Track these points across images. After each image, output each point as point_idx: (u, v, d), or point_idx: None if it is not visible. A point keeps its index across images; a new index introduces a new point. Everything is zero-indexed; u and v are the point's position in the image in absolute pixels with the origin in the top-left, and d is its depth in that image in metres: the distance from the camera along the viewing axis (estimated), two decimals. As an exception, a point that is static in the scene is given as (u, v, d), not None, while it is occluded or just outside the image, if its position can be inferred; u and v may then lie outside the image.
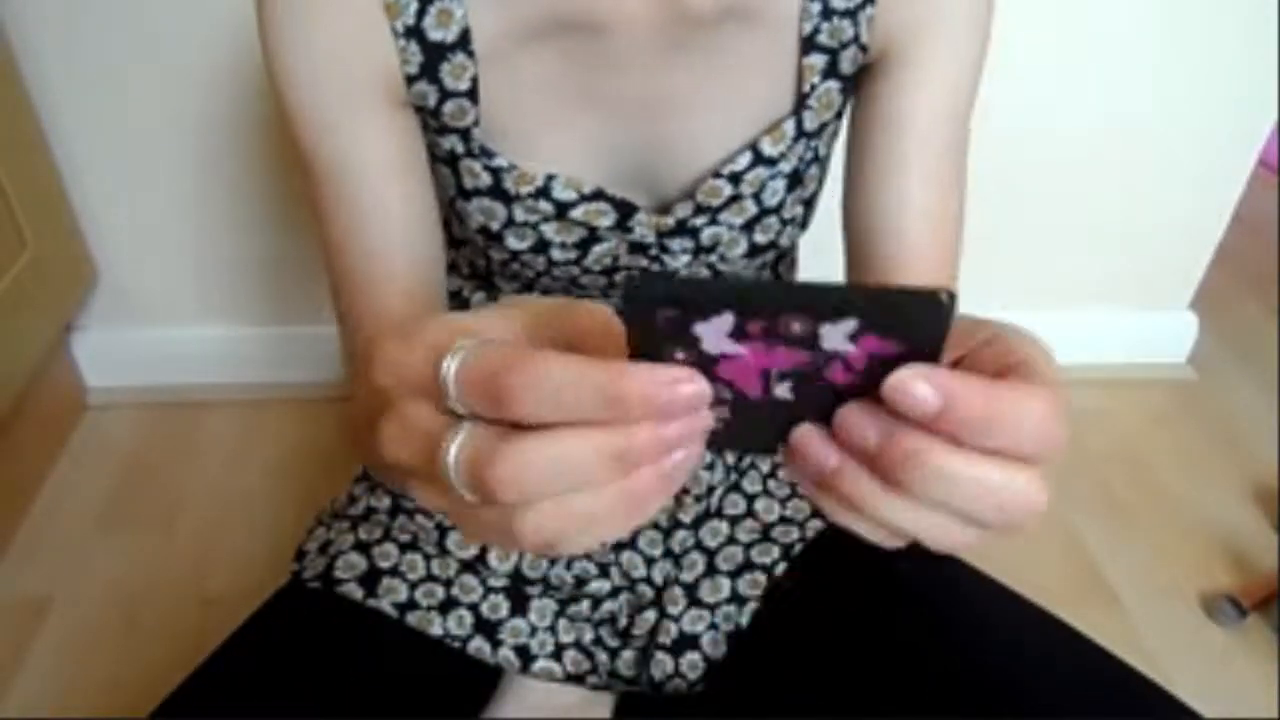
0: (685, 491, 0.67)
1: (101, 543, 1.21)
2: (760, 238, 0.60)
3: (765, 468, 0.71)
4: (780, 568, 0.66)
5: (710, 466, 0.67)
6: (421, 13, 0.51)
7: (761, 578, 0.66)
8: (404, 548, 0.64)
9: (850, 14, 0.55)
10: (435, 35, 0.51)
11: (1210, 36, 1.25)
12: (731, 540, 0.68)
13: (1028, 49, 1.22)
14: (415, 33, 0.51)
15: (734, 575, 0.66)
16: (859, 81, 0.59)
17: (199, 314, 1.41)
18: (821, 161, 0.62)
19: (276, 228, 1.34)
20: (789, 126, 0.57)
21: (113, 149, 1.26)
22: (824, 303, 0.25)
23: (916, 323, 0.25)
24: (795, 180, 0.59)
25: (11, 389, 1.17)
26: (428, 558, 0.64)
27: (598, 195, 0.56)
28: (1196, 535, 1.27)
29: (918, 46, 0.56)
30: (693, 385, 0.26)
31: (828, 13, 0.55)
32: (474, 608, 0.63)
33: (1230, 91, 1.30)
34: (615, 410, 0.25)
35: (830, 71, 0.57)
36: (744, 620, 0.65)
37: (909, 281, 0.61)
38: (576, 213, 0.57)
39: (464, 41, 0.52)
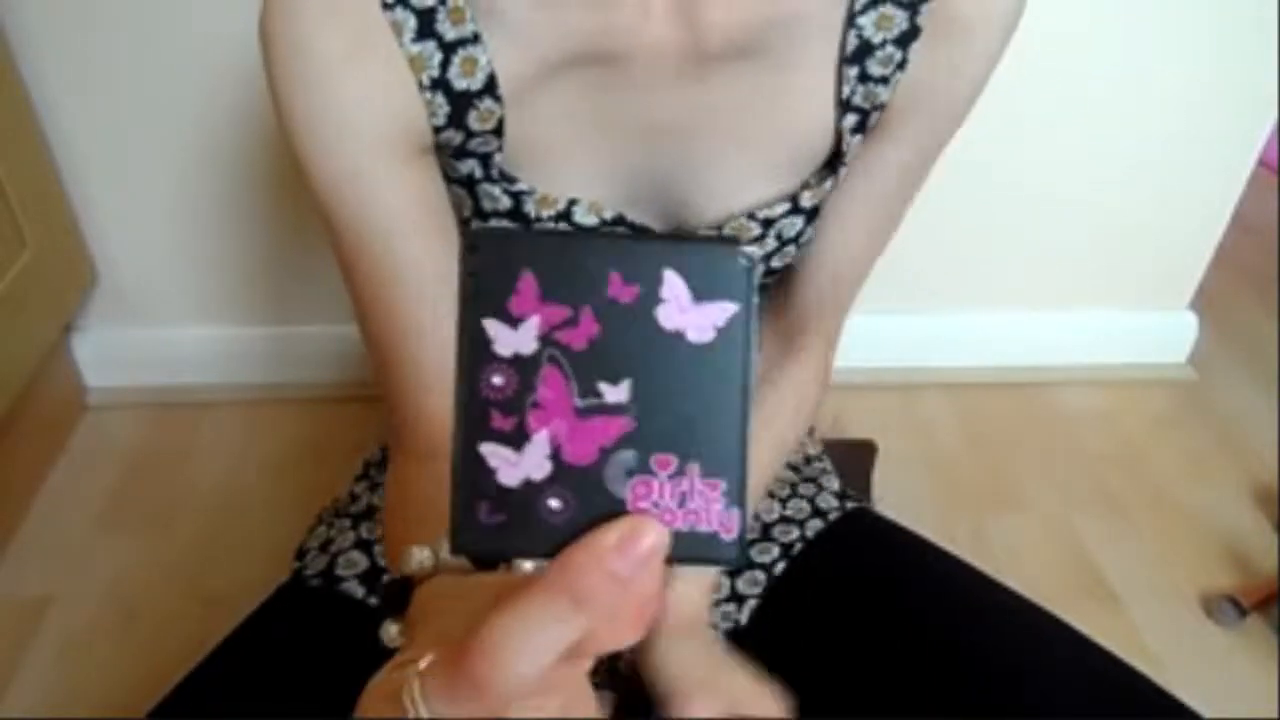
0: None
1: (101, 543, 1.21)
2: (776, 263, 0.61)
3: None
4: (780, 567, 0.66)
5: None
6: (446, 63, 0.50)
7: (761, 576, 0.66)
8: (404, 547, 0.64)
9: (884, 80, 0.56)
10: (461, 85, 0.51)
11: (1210, 36, 1.25)
12: (731, 539, 0.67)
13: (1028, 49, 1.22)
14: (441, 84, 0.50)
15: (733, 574, 0.66)
16: None
17: (199, 314, 1.41)
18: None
19: (276, 228, 1.34)
20: (829, 182, 0.58)
21: (113, 149, 1.26)
22: (634, 258, 0.24)
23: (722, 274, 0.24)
24: (814, 214, 0.60)
25: (11, 389, 1.17)
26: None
27: (619, 221, 0.56)
28: (1196, 535, 1.27)
29: (915, 111, 0.57)
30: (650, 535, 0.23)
31: (865, 77, 0.55)
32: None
33: (1230, 91, 1.30)
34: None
35: (859, 129, 0.58)
36: (743, 619, 0.65)
37: (799, 315, 0.66)
38: None
39: (490, 87, 0.51)
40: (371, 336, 0.56)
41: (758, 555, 0.66)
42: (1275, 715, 1.05)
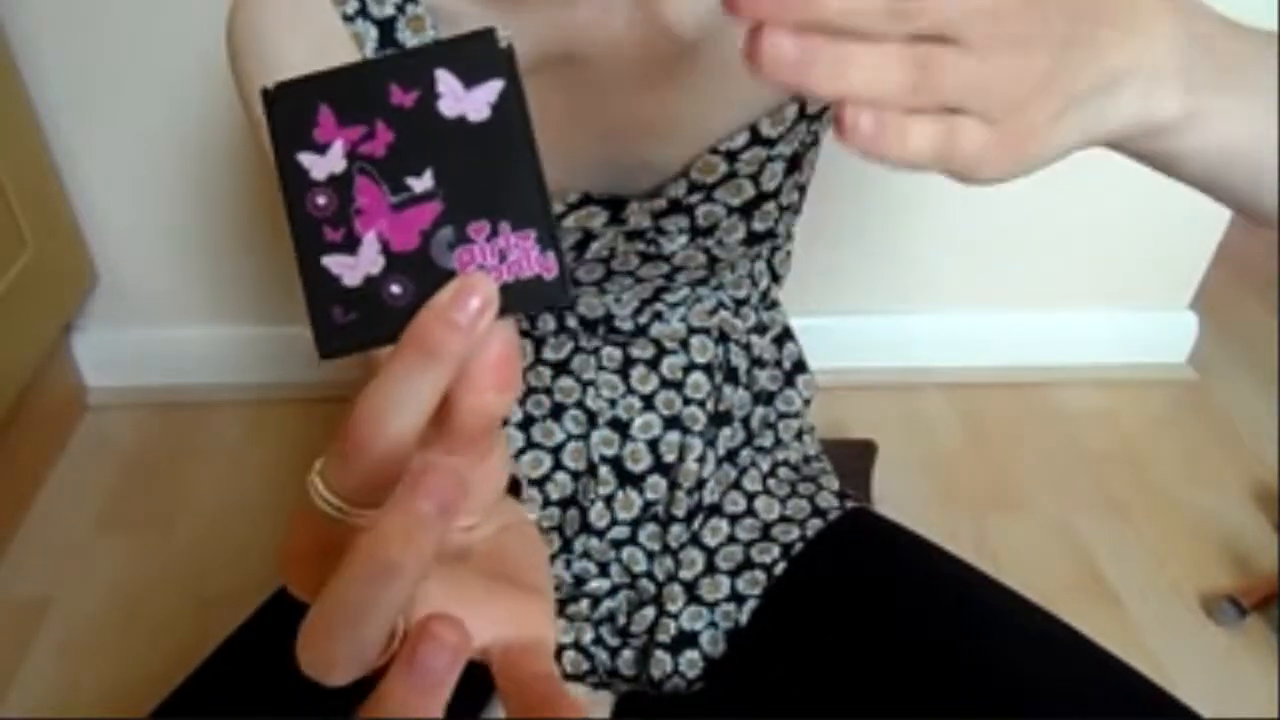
0: (676, 486, 0.67)
1: (101, 543, 1.21)
2: (759, 225, 0.60)
3: (765, 466, 0.71)
4: (780, 567, 0.66)
5: (700, 459, 0.67)
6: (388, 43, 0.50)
7: (761, 576, 0.66)
8: (404, 547, 0.64)
9: None
10: None
11: (1210, 36, 1.25)
12: (731, 539, 0.68)
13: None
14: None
15: (733, 574, 0.66)
16: None
17: (199, 314, 1.41)
18: (819, 146, 0.62)
19: (277, 227, 1.34)
20: (791, 110, 0.57)
21: (113, 149, 1.26)
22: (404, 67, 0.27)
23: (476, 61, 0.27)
24: (794, 164, 0.59)
25: (11, 389, 1.17)
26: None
27: (585, 201, 0.56)
28: (1196, 535, 1.27)
29: None
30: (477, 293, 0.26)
31: None
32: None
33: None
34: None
35: None
36: (743, 619, 0.65)
37: None
38: (568, 221, 0.57)
39: None
40: None
41: (758, 555, 0.66)
42: (1275, 715, 1.05)
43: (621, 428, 0.67)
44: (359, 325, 0.27)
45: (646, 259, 0.60)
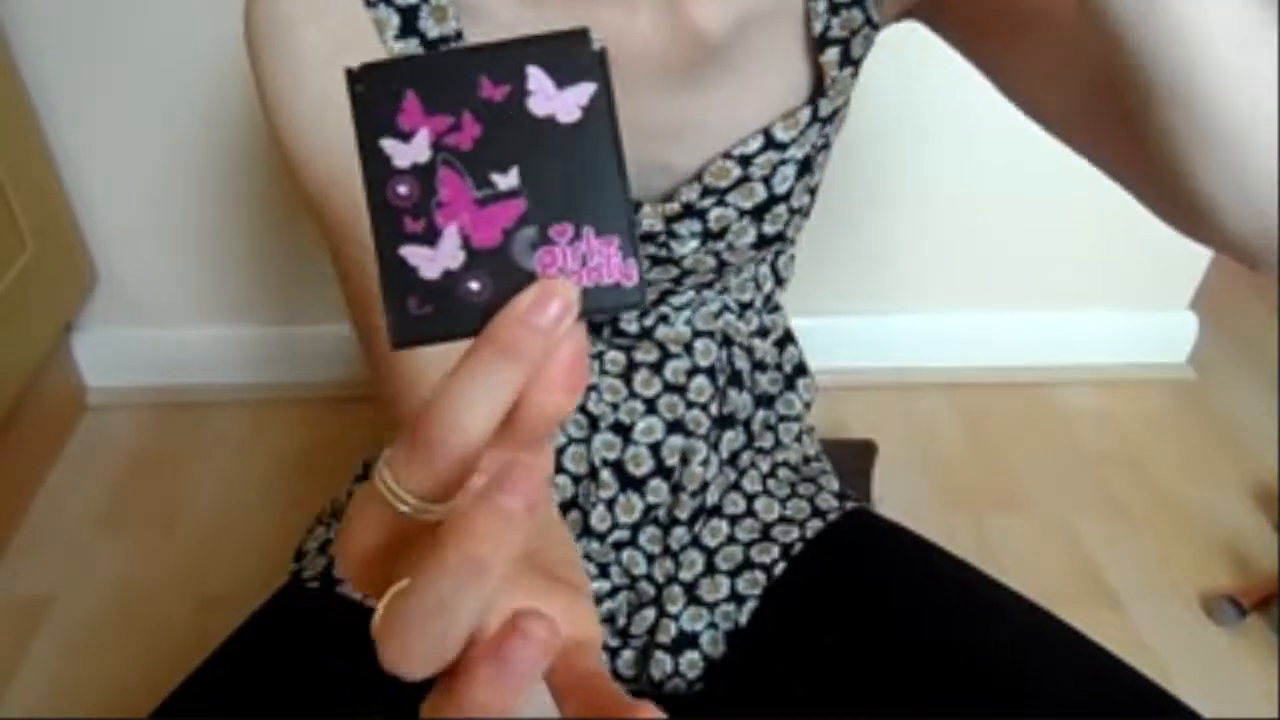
0: (681, 488, 0.67)
1: (101, 543, 1.21)
2: (769, 228, 0.61)
3: (765, 467, 0.71)
4: (780, 567, 0.66)
5: (704, 463, 0.67)
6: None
7: (761, 577, 0.65)
8: (404, 547, 0.64)
9: (858, 3, 0.56)
10: None
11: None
12: (731, 539, 0.68)
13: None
14: None
15: (733, 574, 0.66)
16: (945, 26, 0.59)
17: (199, 314, 1.41)
18: (829, 149, 0.62)
19: (277, 227, 1.34)
20: (804, 114, 0.58)
21: (113, 149, 1.26)
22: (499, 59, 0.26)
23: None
24: (805, 167, 0.60)
25: (11, 389, 1.17)
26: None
27: None
28: (1196, 535, 1.27)
29: None
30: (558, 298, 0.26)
31: (835, 8, 0.55)
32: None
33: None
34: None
35: (844, 60, 0.57)
36: (743, 619, 0.65)
37: None
38: None
39: None
40: (365, 330, 0.56)
41: (757, 556, 0.66)
42: (1275, 715, 1.05)
43: (623, 431, 0.67)
44: (435, 318, 0.27)
45: (656, 262, 0.60)
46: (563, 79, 0.27)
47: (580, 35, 0.27)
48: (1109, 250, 1.45)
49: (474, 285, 0.27)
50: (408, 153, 0.27)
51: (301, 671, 0.56)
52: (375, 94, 0.27)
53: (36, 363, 1.24)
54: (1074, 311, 1.51)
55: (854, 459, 1.11)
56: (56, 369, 1.35)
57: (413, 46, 0.50)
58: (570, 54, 0.27)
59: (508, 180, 0.27)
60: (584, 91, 0.27)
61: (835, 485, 0.72)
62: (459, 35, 0.51)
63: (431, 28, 0.50)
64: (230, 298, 1.40)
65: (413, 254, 0.27)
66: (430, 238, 0.27)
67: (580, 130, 0.27)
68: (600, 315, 0.27)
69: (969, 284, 1.47)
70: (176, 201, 1.31)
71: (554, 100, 0.27)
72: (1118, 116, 0.48)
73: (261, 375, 1.45)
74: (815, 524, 0.68)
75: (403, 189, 0.27)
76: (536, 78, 0.27)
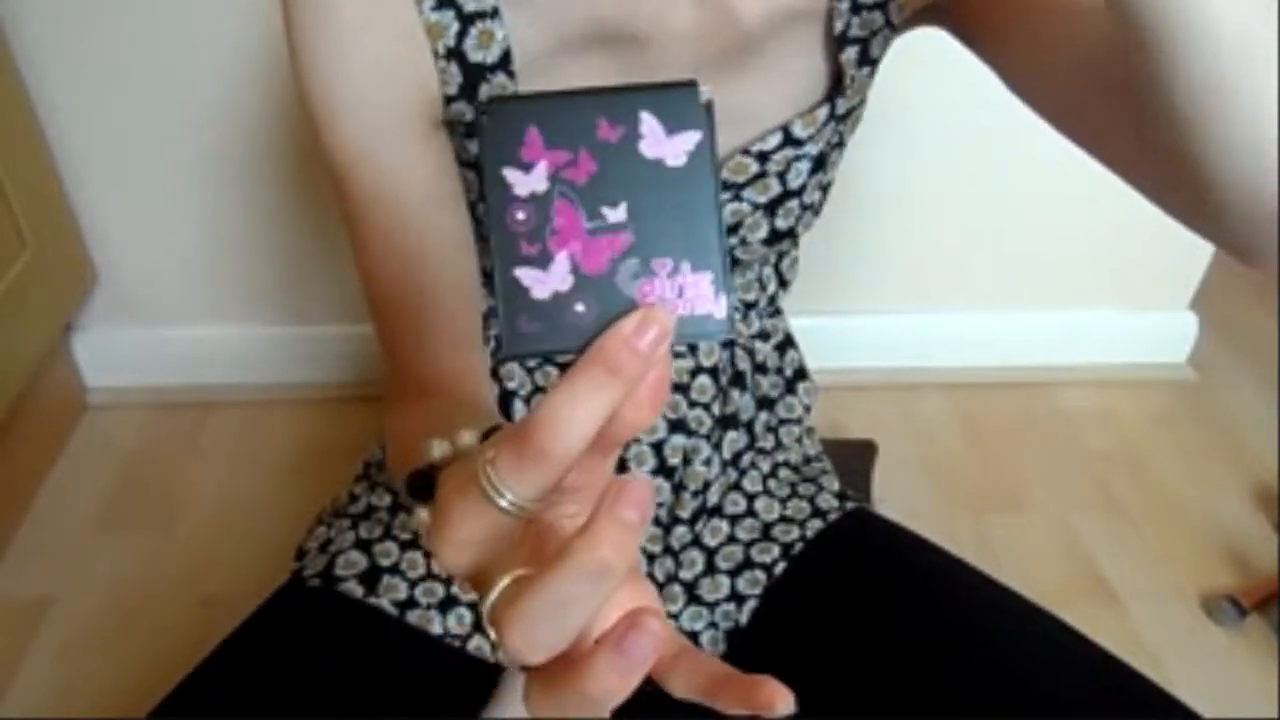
0: (683, 487, 0.67)
1: (101, 543, 1.21)
2: (781, 223, 0.61)
3: (765, 467, 0.71)
4: (780, 567, 0.66)
5: (707, 462, 0.67)
6: (463, 34, 0.51)
7: (761, 576, 0.66)
8: (404, 546, 0.64)
9: (880, 5, 0.56)
10: (476, 56, 0.51)
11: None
12: (732, 539, 0.68)
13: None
14: (456, 54, 0.51)
15: (734, 574, 0.66)
16: (957, 20, 0.59)
17: (199, 314, 1.41)
18: (843, 147, 0.62)
19: (277, 228, 1.34)
20: (822, 111, 0.58)
21: (112, 149, 1.26)
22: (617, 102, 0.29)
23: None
24: (820, 164, 0.60)
25: (11, 389, 1.17)
26: (428, 556, 0.64)
27: None
28: (1196, 535, 1.27)
29: None
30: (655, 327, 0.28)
31: (857, 8, 0.56)
32: (474, 606, 0.63)
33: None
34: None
35: (863, 59, 0.58)
36: (743, 619, 0.65)
37: None
38: None
39: (505, 62, 0.51)
40: (376, 295, 0.57)
41: (757, 555, 0.66)
42: (1275, 715, 1.05)
43: None
44: (543, 335, 0.29)
45: None
46: (672, 126, 0.29)
47: (690, 86, 0.29)
48: (1109, 250, 1.45)
49: (580, 308, 0.29)
50: (527, 182, 0.29)
51: (301, 671, 0.56)
52: (501, 125, 0.29)
53: (36, 363, 1.24)
54: (1074, 311, 1.51)
55: (854, 459, 1.11)
56: (56, 369, 1.35)
57: (449, 18, 0.50)
58: (681, 103, 0.29)
59: (617, 214, 0.29)
60: (691, 139, 0.29)
61: (836, 485, 0.72)
62: (495, 12, 0.51)
63: (469, 2, 0.50)
64: (230, 298, 1.40)
65: (526, 275, 0.29)
66: (543, 262, 0.29)
67: (685, 173, 0.29)
68: (691, 341, 0.30)
69: (969, 284, 1.47)
70: (176, 201, 1.31)
71: (664, 145, 0.29)
72: (1121, 91, 0.48)
73: (261, 375, 1.45)
74: (815, 524, 0.68)
75: (520, 215, 0.29)
76: (649, 123, 0.29)
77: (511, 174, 0.29)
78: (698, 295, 0.29)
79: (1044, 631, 0.58)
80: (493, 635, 0.29)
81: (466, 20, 0.50)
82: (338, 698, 0.55)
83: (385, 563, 0.62)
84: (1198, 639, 1.14)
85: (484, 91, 0.52)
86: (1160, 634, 1.14)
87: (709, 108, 0.29)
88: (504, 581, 0.29)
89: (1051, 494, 1.32)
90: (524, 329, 0.29)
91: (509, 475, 0.28)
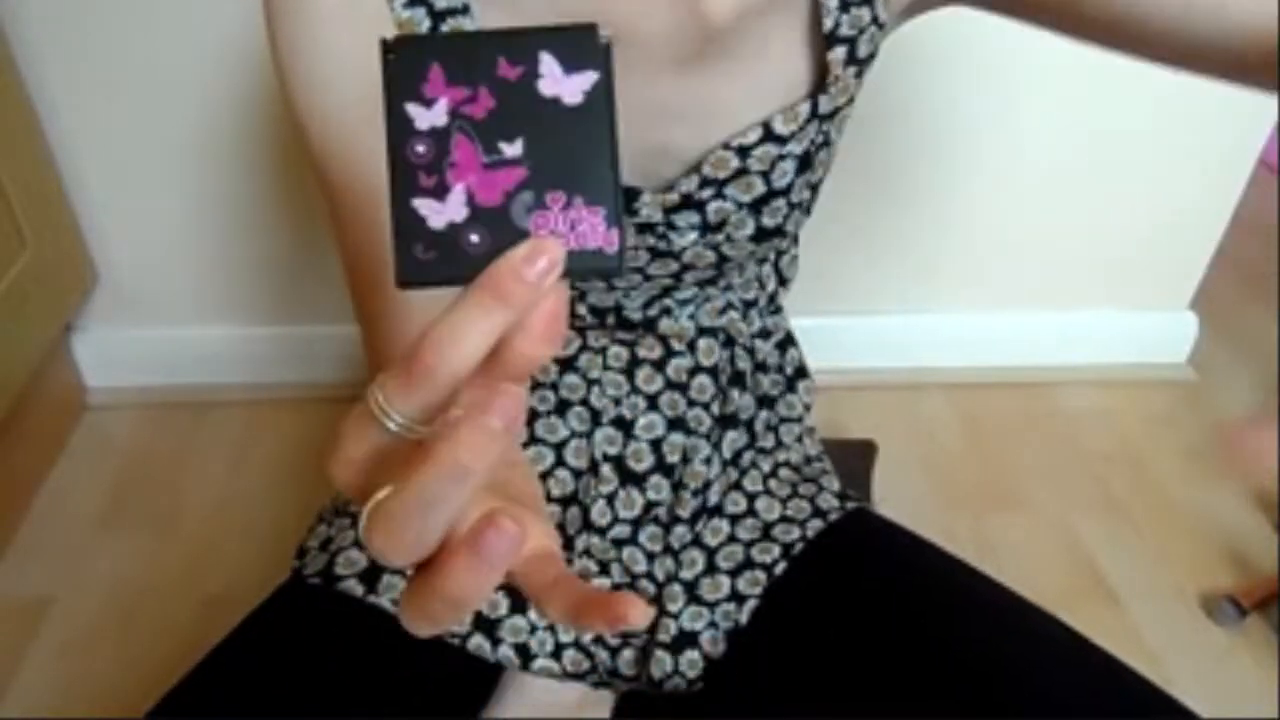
0: (683, 486, 0.67)
1: (101, 543, 1.21)
2: (768, 220, 0.60)
3: (766, 467, 0.71)
4: (780, 567, 0.66)
5: (706, 461, 0.67)
6: (434, 30, 0.51)
7: (761, 576, 0.66)
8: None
9: (867, 2, 0.56)
10: None
11: (1210, 36, 1.25)
12: (732, 539, 0.68)
13: (1027, 50, 1.22)
14: None
15: (734, 574, 0.66)
16: None
17: (199, 314, 1.41)
18: (831, 147, 0.62)
19: (276, 228, 1.35)
20: (804, 108, 0.58)
21: (112, 149, 1.26)
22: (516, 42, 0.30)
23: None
24: (805, 163, 0.60)
25: (11, 389, 1.17)
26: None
27: None
28: (1196, 535, 1.27)
29: None
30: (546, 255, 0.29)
31: (845, 5, 0.56)
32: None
33: (1230, 91, 1.30)
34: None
35: (850, 59, 0.57)
36: (743, 619, 0.65)
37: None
38: None
39: None
40: (356, 284, 0.56)
41: (758, 555, 0.66)
42: (1275, 715, 1.05)
43: (625, 426, 0.67)
44: (437, 264, 0.30)
45: (656, 255, 0.60)
46: (570, 65, 0.30)
47: (590, 29, 0.30)
48: (1109, 250, 1.45)
49: (474, 238, 0.30)
50: (427, 117, 0.30)
51: (302, 670, 0.56)
52: (405, 63, 0.30)
53: (36, 363, 1.24)
54: (1074, 311, 1.51)
55: (854, 459, 1.11)
56: (56, 369, 1.35)
57: (420, 15, 0.51)
58: (580, 44, 0.30)
59: (513, 149, 0.30)
60: (588, 78, 0.30)
61: (836, 485, 0.72)
62: (465, 9, 0.51)
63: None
64: (230, 298, 1.40)
65: (423, 205, 0.30)
66: (440, 193, 0.30)
67: (581, 112, 0.30)
68: (583, 276, 0.30)
69: (969, 284, 1.47)
70: (176, 201, 1.31)
71: (561, 84, 0.30)
72: None
73: (261, 375, 1.45)
74: (816, 524, 0.68)
75: (420, 148, 0.30)
76: (548, 62, 0.30)
77: (413, 108, 0.30)
78: (591, 230, 0.30)
79: (1044, 631, 0.58)
80: (366, 545, 0.30)
81: (437, 17, 0.51)
82: (338, 697, 0.55)
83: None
84: (1198, 639, 1.14)
85: None
86: (1160, 634, 1.14)
87: (608, 49, 0.30)
88: (381, 494, 0.29)
89: (1051, 494, 1.32)
90: (420, 257, 0.30)
91: (395, 395, 0.29)
